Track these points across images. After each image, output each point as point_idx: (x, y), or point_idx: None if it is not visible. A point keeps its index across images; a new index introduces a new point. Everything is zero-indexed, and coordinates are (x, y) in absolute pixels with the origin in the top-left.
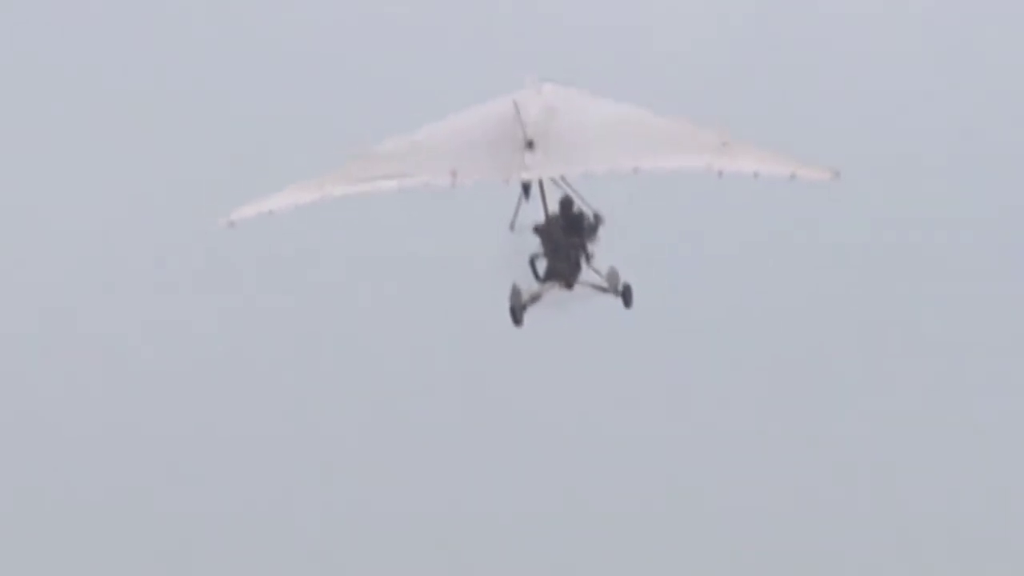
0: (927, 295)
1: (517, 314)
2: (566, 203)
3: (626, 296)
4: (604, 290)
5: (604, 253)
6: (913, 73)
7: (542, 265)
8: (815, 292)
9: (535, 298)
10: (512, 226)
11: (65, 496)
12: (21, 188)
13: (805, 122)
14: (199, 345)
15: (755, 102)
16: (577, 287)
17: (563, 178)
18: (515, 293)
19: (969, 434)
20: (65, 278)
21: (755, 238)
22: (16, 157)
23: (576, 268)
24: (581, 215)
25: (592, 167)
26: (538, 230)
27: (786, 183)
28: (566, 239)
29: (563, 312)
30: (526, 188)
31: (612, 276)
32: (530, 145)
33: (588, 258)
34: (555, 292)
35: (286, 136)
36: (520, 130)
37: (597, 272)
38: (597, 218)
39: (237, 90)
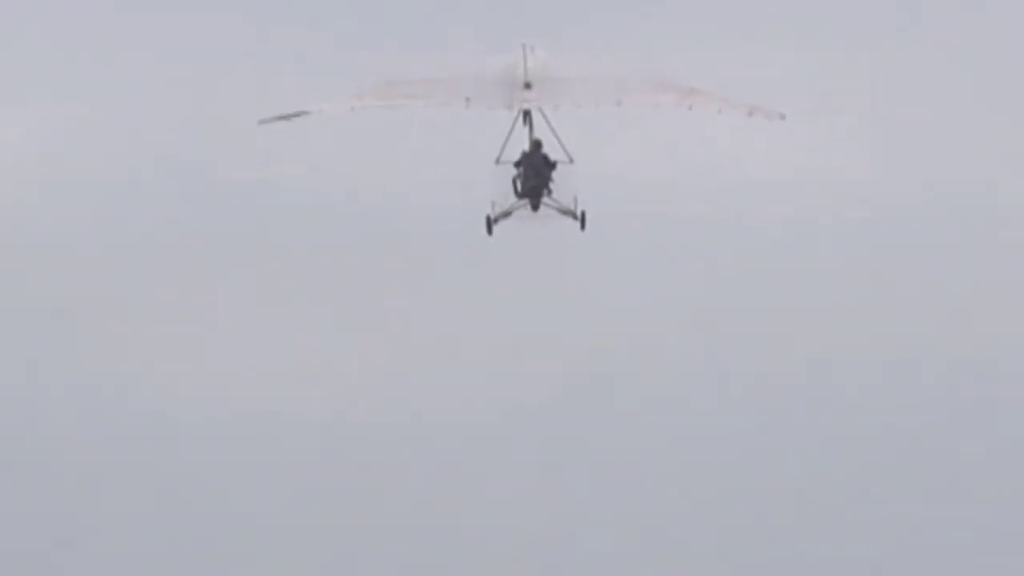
0: None
1: (491, 225)
2: (537, 144)
3: (582, 220)
4: (565, 213)
5: (566, 185)
6: None
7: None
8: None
9: (507, 213)
10: (497, 160)
11: None
12: None
13: None
14: None
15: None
16: (542, 209)
17: (545, 118)
18: (492, 207)
19: None
20: None
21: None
22: None
23: (542, 193)
24: (547, 155)
25: (581, 100)
26: (520, 159)
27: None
28: (543, 165)
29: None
30: (525, 117)
31: (573, 203)
32: (527, 86)
33: (549, 191)
34: (524, 211)
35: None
36: (522, 74)
37: (556, 201)
38: (555, 162)
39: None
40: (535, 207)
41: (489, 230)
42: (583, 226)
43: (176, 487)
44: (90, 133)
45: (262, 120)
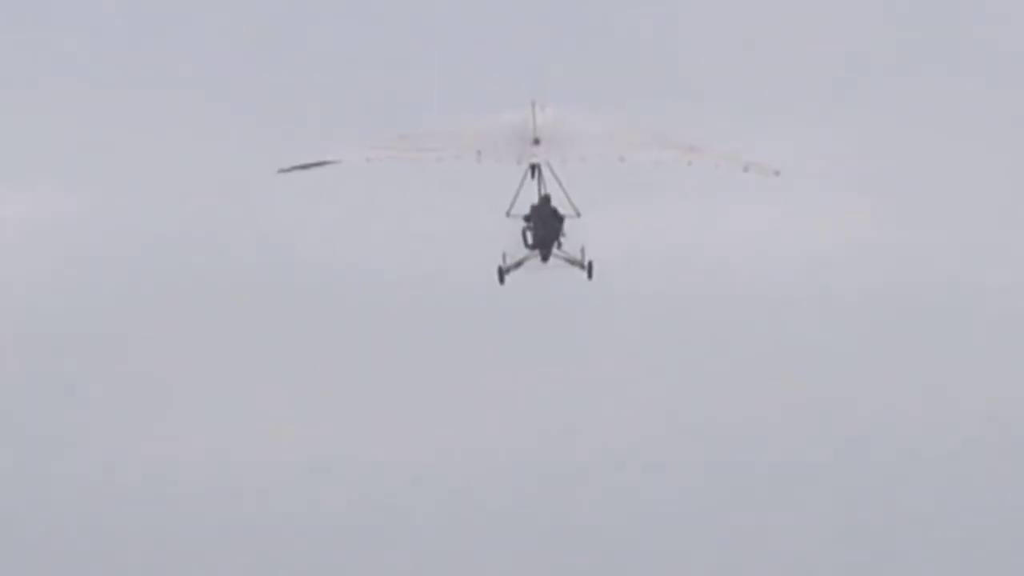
0: None
1: (502, 275)
2: (547, 198)
3: (590, 269)
4: (572, 263)
5: (573, 238)
6: None
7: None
8: None
9: (519, 264)
10: (508, 213)
11: None
12: None
13: None
14: None
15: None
16: (552, 260)
17: (553, 172)
18: (503, 258)
19: None
20: None
21: None
22: None
23: (552, 245)
24: (556, 209)
25: (587, 155)
26: (530, 213)
27: None
28: (553, 219)
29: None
30: (533, 171)
31: (580, 253)
32: (536, 142)
33: (560, 244)
34: (534, 262)
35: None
36: (531, 130)
37: (565, 253)
38: (564, 215)
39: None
40: (544, 258)
41: (501, 280)
42: (590, 275)
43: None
44: (96, 205)
45: (281, 169)
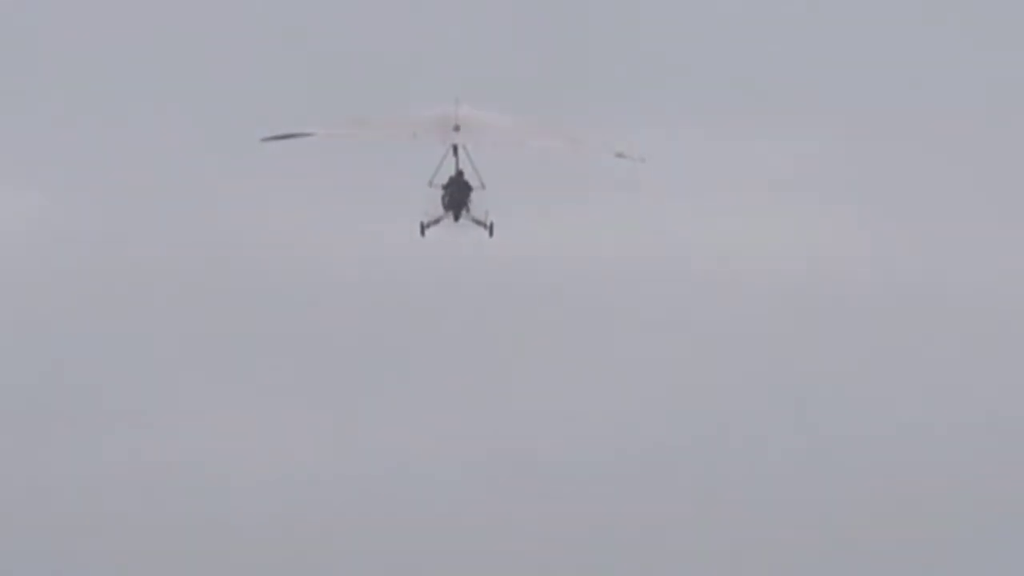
0: None
1: (423, 229)
2: (460, 173)
3: (491, 229)
4: (478, 223)
5: (480, 203)
6: None
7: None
8: None
9: (436, 221)
10: (430, 183)
11: None
12: None
13: None
14: None
15: None
16: (462, 220)
17: (467, 153)
18: (425, 216)
19: None
20: None
21: None
22: None
23: (463, 208)
24: (467, 181)
25: (496, 140)
26: (447, 183)
27: None
28: (463, 188)
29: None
30: (455, 149)
31: (484, 216)
32: (456, 128)
33: (468, 208)
34: (448, 221)
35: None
36: (453, 119)
37: (472, 215)
38: (472, 187)
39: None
40: (456, 218)
41: (422, 233)
42: (491, 234)
43: None
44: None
45: (264, 138)
